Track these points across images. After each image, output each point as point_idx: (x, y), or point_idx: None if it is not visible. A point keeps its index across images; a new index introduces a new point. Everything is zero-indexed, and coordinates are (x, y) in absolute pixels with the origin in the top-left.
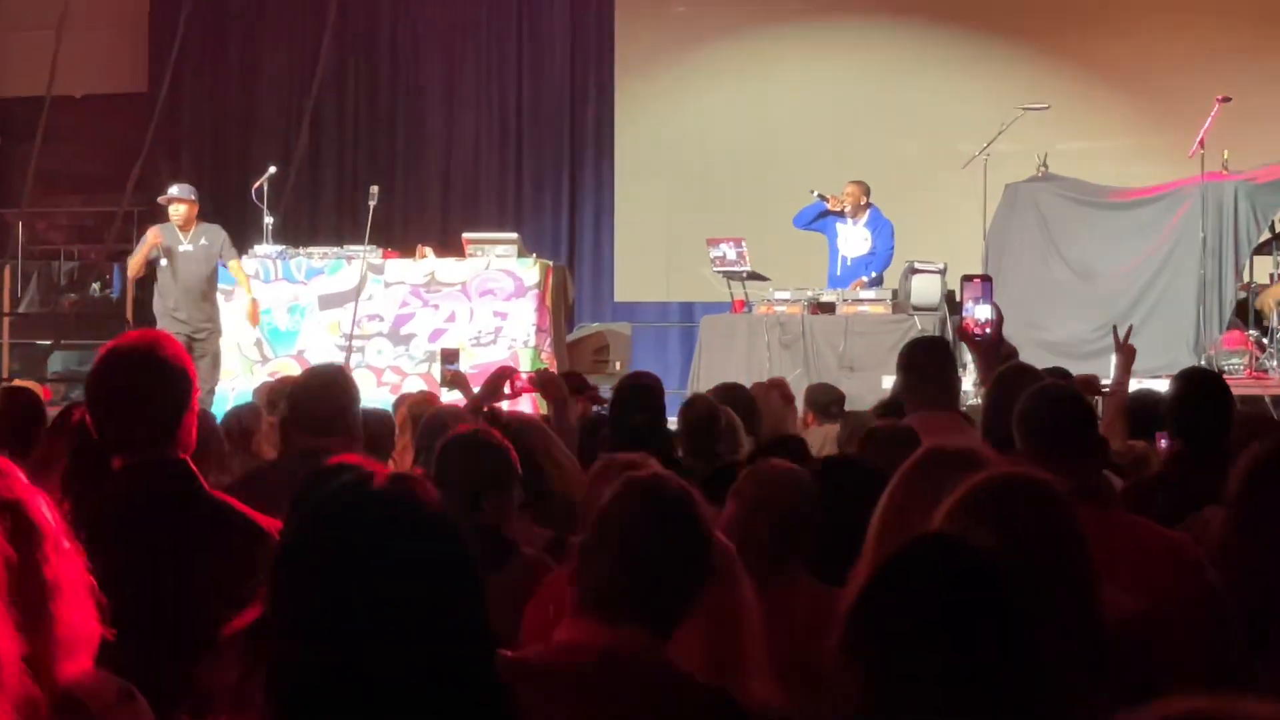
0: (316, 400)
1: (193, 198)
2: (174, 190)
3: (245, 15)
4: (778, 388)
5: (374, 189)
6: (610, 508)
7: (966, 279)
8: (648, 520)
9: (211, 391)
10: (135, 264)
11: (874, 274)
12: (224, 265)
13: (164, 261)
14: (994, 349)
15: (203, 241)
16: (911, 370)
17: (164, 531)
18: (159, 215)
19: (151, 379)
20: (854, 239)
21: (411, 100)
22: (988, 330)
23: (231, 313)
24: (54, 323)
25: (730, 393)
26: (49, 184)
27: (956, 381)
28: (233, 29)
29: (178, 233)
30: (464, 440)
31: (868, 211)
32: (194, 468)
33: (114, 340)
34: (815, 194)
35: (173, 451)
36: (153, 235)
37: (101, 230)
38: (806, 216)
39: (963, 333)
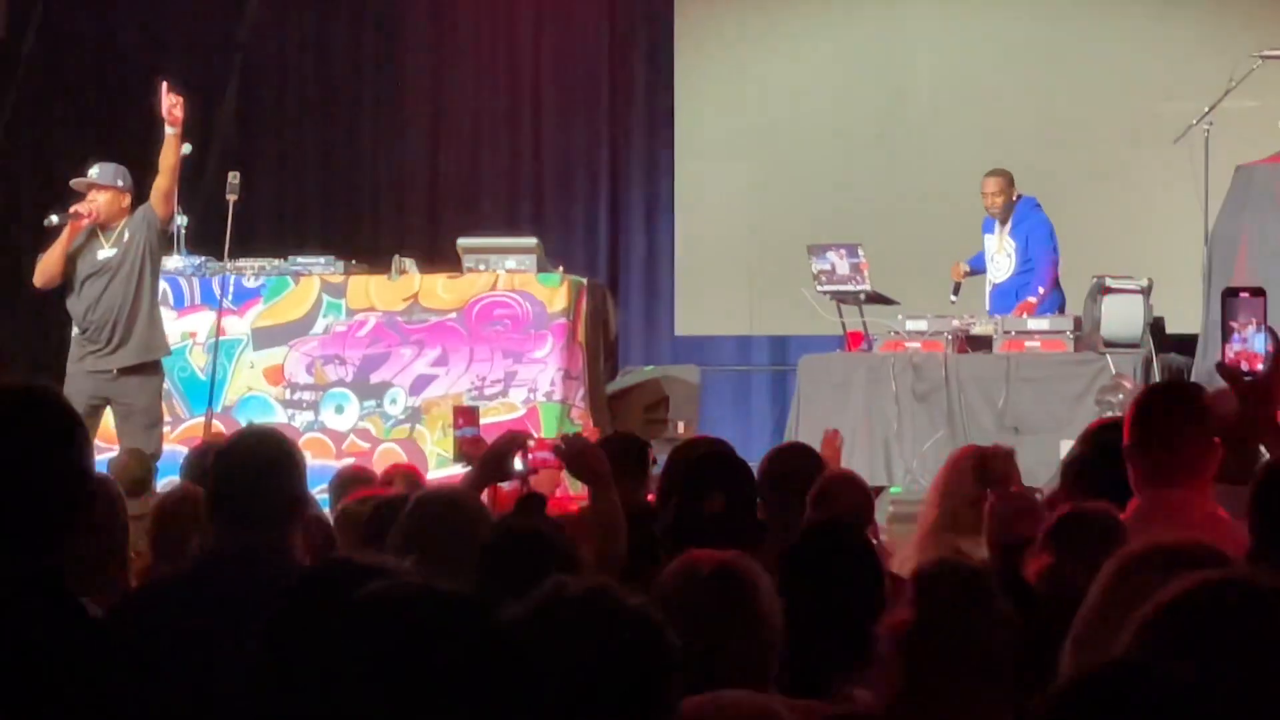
0: (254, 480)
1: (120, 184)
2: (93, 171)
3: None
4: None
5: (234, 177)
6: None
7: (1230, 293)
8: None
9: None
10: (50, 262)
11: (1039, 290)
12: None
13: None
14: (1270, 397)
15: (125, 237)
16: (1143, 426)
17: None
18: (39, 214)
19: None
20: (999, 256)
21: (384, 53)
22: (1259, 367)
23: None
24: None
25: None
26: None
27: (1213, 447)
28: None
29: (97, 233)
30: (518, 537)
31: (1015, 210)
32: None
33: None
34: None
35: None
36: (80, 210)
37: None
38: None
39: (1227, 371)
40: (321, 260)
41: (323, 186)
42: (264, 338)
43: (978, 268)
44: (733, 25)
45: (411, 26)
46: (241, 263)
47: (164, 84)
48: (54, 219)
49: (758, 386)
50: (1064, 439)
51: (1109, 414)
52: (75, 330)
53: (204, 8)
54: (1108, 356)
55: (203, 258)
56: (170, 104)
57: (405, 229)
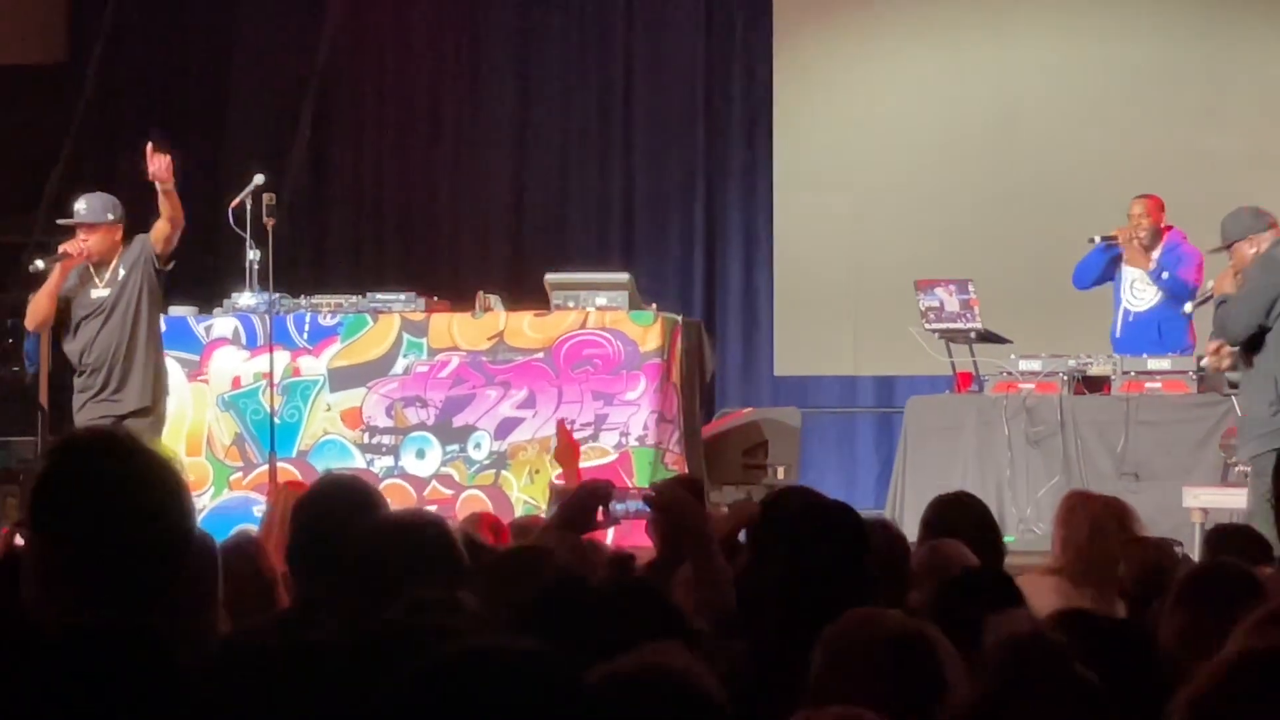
0: (334, 528)
1: (110, 218)
2: (80, 208)
3: None
4: None
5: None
6: None
7: None
8: None
9: None
10: (40, 303)
11: (1185, 309)
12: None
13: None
14: None
15: (120, 275)
16: None
17: None
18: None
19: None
20: (1143, 284)
21: (465, 83)
22: None
23: (178, 394)
24: None
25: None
26: None
27: None
28: None
29: (90, 272)
30: (630, 595)
31: (1164, 240)
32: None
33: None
34: (1096, 240)
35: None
36: (69, 250)
37: (2, 273)
38: (1091, 272)
39: None
40: (401, 297)
41: (402, 220)
42: (341, 378)
43: (1084, 281)
44: (833, 52)
45: (494, 55)
46: (317, 299)
47: (149, 145)
48: (39, 264)
49: (862, 429)
50: (1188, 486)
51: (1232, 460)
52: (76, 374)
53: (277, 38)
54: (1233, 399)
55: (275, 294)
56: (156, 167)
57: (489, 264)
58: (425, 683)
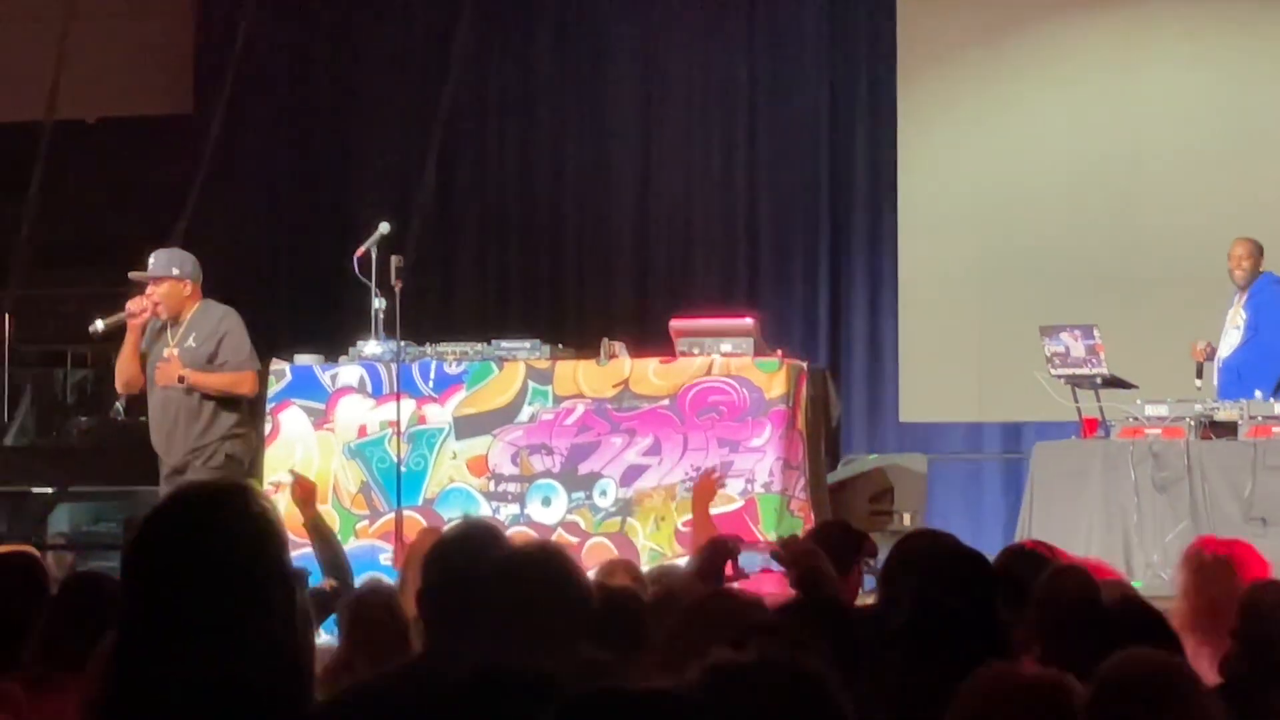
0: (465, 570)
1: (176, 273)
2: (150, 263)
3: (338, 5)
4: None
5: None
6: None
7: None
8: None
9: None
10: (124, 365)
11: None
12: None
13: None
14: None
15: (189, 343)
16: None
17: None
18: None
19: None
20: (1230, 329)
21: (588, 125)
22: None
23: (304, 443)
24: (57, 461)
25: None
26: (49, 251)
27: None
28: (320, 24)
29: (166, 331)
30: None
31: (1254, 282)
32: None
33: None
34: None
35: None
36: (132, 308)
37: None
38: None
39: None
40: (526, 344)
41: (527, 267)
42: (467, 426)
43: None
44: (957, 97)
45: (618, 100)
46: (443, 347)
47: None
48: (99, 325)
49: (988, 475)
50: None
51: None
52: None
53: (400, 87)
54: None
55: (401, 342)
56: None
57: (614, 310)
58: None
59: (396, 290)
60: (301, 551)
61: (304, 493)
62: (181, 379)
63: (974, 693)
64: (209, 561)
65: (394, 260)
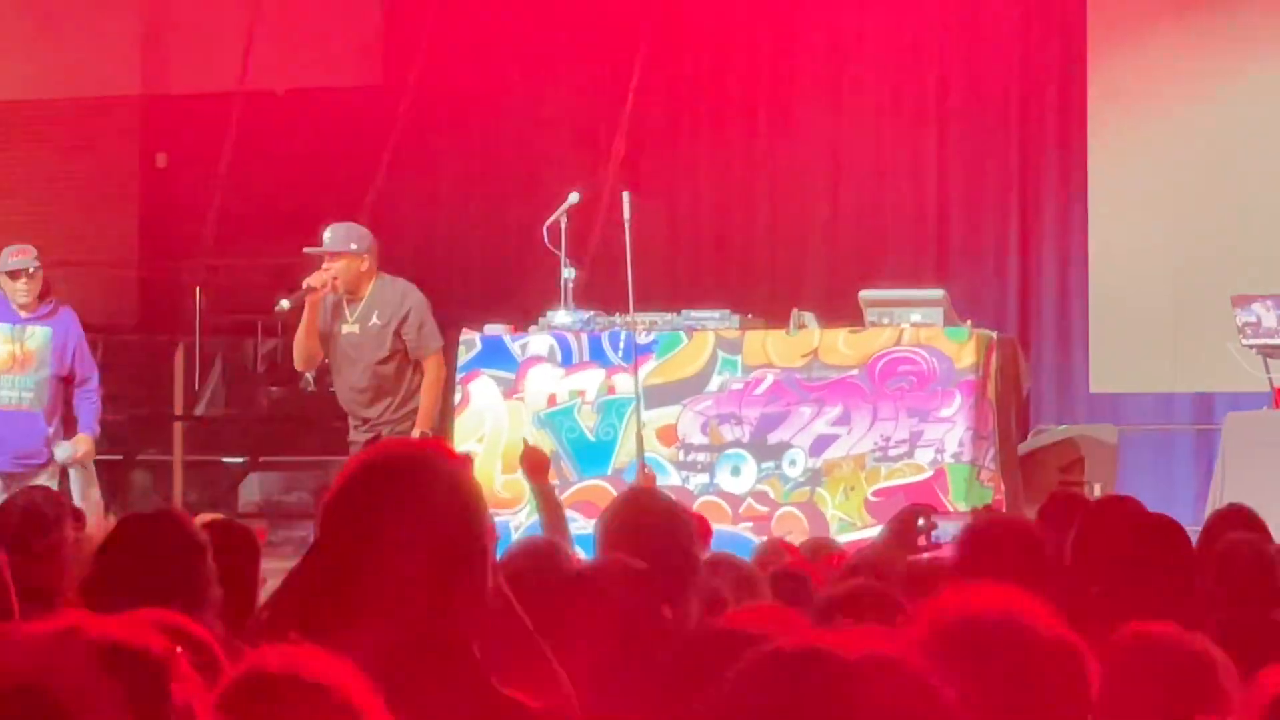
0: (639, 545)
1: (354, 248)
2: (325, 237)
3: None
4: None
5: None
6: None
7: None
8: None
9: None
10: (302, 342)
11: None
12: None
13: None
14: None
15: (374, 321)
16: None
17: None
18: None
19: None
20: None
21: (779, 94)
22: None
23: (493, 412)
24: (249, 431)
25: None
26: (239, 222)
27: None
28: None
29: (343, 306)
30: None
31: None
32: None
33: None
34: None
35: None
36: (313, 283)
37: None
38: None
39: None
40: (716, 314)
41: (717, 237)
42: (656, 396)
43: None
44: (1148, 67)
45: (806, 71)
46: (636, 316)
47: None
48: (285, 303)
49: (1180, 447)
50: None
51: None
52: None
53: (590, 56)
54: None
55: (591, 312)
56: (312, 285)
57: (803, 280)
58: (753, 678)
59: (627, 227)
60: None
61: (533, 462)
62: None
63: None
64: (405, 519)
65: (625, 198)
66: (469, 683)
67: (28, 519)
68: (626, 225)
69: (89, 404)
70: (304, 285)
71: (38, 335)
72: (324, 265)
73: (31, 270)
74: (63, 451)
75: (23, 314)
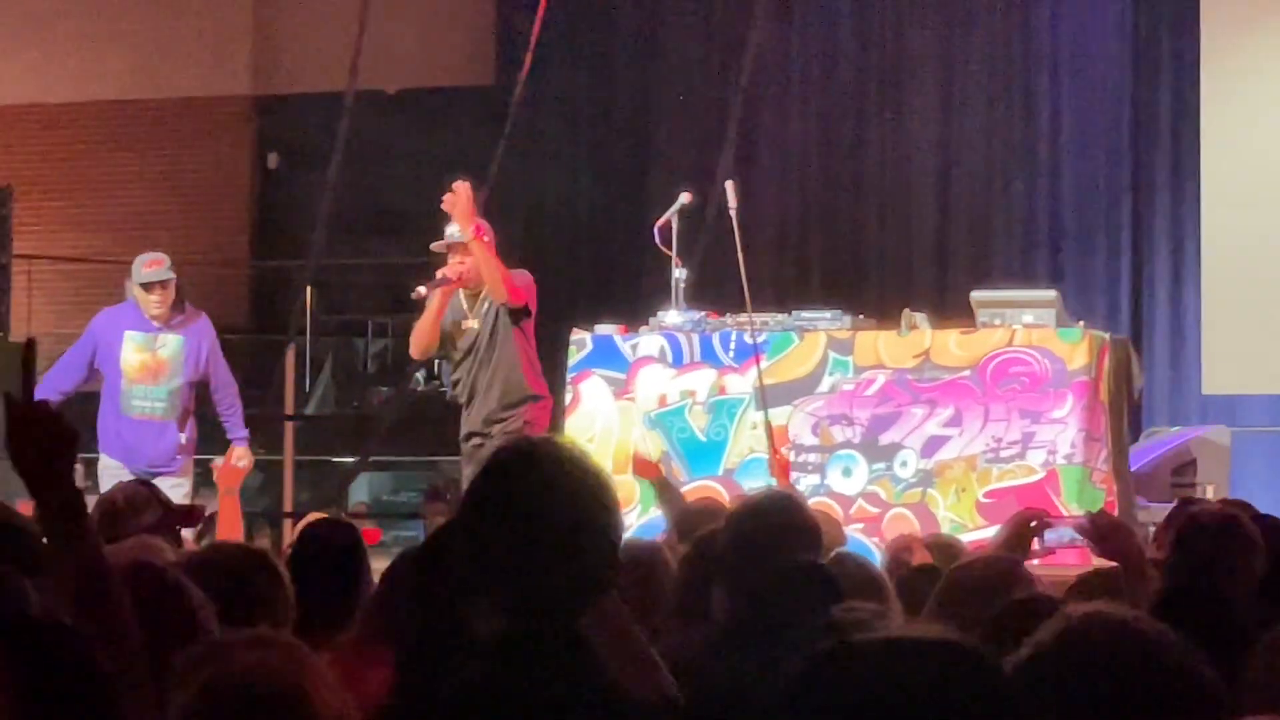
0: (765, 547)
1: (485, 239)
2: (452, 231)
3: None
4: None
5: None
6: None
7: None
8: None
9: None
10: (422, 330)
11: None
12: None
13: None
14: None
15: (485, 307)
16: None
17: None
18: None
19: None
20: None
21: (889, 98)
22: None
23: (604, 413)
24: (358, 431)
25: None
26: (349, 222)
27: None
28: None
29: (463, 303)
30: None
31: None
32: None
33: None
34: None
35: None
36: (448, 274)
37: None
38: None
39: None
40: (827, 314)
41: (827, 237)
42: (767, 397)
43: None
44: (1263, 65)
45: (917, 72)
46: (743, 318)
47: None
48: (421, 290)
49: None
50: None
51: None
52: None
53: (701, 58)
54: None
55: (701, 312)
56: (448, 275)
57: (915, 281)
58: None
59: (733, 214)
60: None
61: (642, 466)
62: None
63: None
64: (543, 508)
65: (729, 186)
66: (588, 672)
67: (113, 509)
68: (733, 214)
69: (233, 414)
70: (439, 275)
71: (170, 344)
72: (456, 259)
73: (164, 282)
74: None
75: (156, 324)
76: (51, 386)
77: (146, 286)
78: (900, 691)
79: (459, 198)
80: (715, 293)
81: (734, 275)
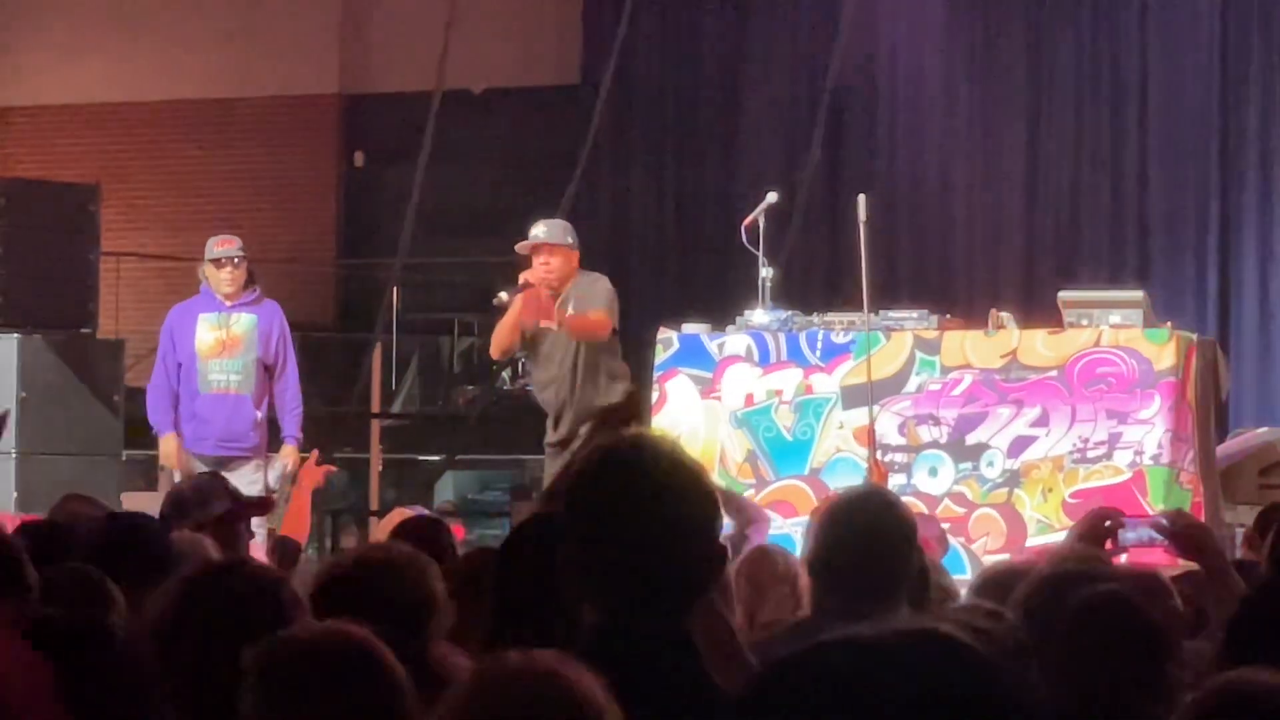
0: (861, 545)
1: (570, 241)
2: (539, 231)
3: None
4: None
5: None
6: None
7: None
8: None
9: None
10: (502, 332)
11: None
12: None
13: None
14: None
15: (569, 311)
16: None
17: None
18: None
19: None
20: None
21: (977, 96)
22: None
23: (690, 412)
24: (444, 429)
25: None
26: (435, 221)
27: None
28: None
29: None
30: None
31: None
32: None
33: None
34: None
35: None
36: (529, 279)
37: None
38: None
39: None
40: (914, 314)
41: (915, 236)
42: (854, 396)
43: None
44: None
45: (1005, 73)
46: (830, 317)
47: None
48: (504, 296)
49: None
50: None
51: None
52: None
53: (788, 57)
54: None
55: (788, 311)
56: (530, 280)
57: (1002, 281)
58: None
59: (862, 228)
60: None
61: None
62: (560, 324)
63: None
64: (648, 511)
65: (861, 200)
66: (687, 671)
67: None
68: (862, 227)
69: (291, 412)
70: (521, 280)
71: (243, 321)
72: (542, 259)
73: (236, 260)
74: (274, 473)
75: (227, 303)
76: (162, 394)
77: (218, 262)
78: (886, 685)
79: (541, 302)
80: (803, 291)
81: (823, 274)
